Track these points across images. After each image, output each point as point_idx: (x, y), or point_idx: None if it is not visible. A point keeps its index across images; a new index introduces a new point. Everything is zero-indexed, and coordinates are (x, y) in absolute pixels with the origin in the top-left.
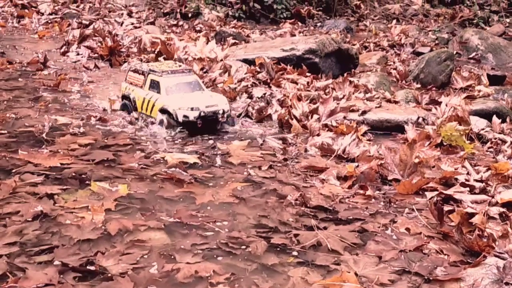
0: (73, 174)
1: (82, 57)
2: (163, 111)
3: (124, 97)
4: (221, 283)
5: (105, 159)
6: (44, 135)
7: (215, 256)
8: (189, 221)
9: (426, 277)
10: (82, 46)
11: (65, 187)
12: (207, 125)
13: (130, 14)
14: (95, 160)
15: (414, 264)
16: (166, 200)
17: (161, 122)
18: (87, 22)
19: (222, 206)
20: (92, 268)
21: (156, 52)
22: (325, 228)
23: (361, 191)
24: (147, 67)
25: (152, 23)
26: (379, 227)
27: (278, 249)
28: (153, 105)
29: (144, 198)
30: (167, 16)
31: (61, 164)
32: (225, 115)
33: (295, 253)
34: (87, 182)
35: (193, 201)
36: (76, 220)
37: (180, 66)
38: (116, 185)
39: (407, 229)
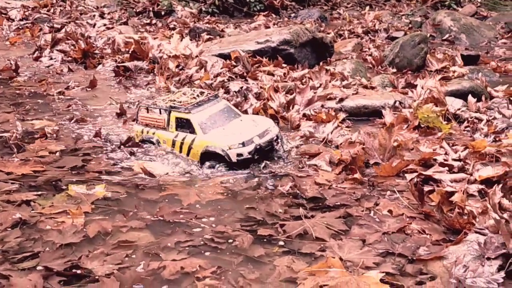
0: (47, 180)
1: (55, 61)
2: (208, 154)
3: (144, 142)
4: (208, 277)
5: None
6: (16, 141)
7: (201, 252)
8: (172, 218)
9: (409, 258)
10: (55, 50)
11: (40, 192)
12: (263, 156)
13: (102, 15)
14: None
15: (397, 246)
16: (147, 201)
17: (211, 167)
18: (59, 26)
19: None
20: (77, 271)
21: (130, 52)
22: (312, 216)
23: (350, 176)
24: (164, 103)
25: (125, 23)
26: (362, 211)
27: (265, 240)
28: (190, 148)
29: (122, 199)
30: (140, 15)
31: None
32: (279, 140)
33: (281, 243)
34: (62, 187)
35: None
36: (56, 225)
37: (202, 93)
38: (94, 187)
39: (390, 211)
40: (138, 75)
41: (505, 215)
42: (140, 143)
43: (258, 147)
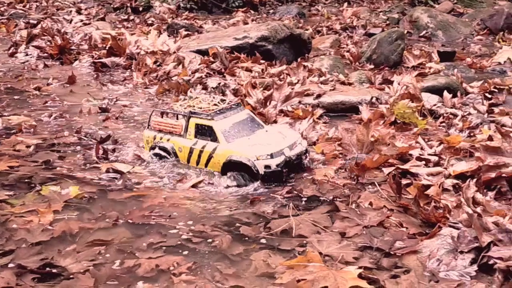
0: (20, 178)
1: (31, 57)
2: (231, 164)
3: (154, 149)
4: (183, 272)
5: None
6: None
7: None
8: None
9: (386, 252)
10: (31, 46)
11: (12, 192)
12: (290, 170)
13: (79, 11)
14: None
15: (376, 240)
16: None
17: (235, 181)
18: (35, 22)
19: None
20: (52, 269)
21: (107, 48)
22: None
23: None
24: (183, 108)
25: (102, 19)
26: (348, 205)
27: (245, 239)
28: (211, 157)
29: (95, 199)
30: (118, 11)
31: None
32: (307, 154)
33: (263, 240)
34: (35, 185)
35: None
36: (24, 224)
37: (223, 100)
38: (67, 187)
39: (370, 204)
40: (115, 71)
41: (478, 209)
42: (151, 150)
43: (287, 160)
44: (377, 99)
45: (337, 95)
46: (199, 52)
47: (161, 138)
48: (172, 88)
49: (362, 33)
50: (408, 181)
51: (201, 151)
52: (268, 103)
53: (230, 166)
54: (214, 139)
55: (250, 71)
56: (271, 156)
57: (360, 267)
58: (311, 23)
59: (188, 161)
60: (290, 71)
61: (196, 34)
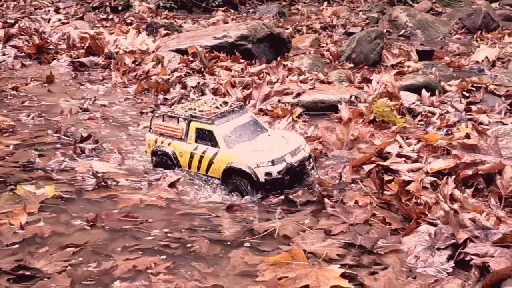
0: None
1: (8, 57)
2: (231, 171)
3: (156, 153)
4: (161, 272)
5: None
6: None
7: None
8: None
9: (368, 249)
10: (8, 45)
11: None
12: (293, 178)
13: (57, 11)
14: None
15: (360, 237)
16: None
17: (236, 189)
18: (13, 21)
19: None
20: (25, 272)
21: (85, 47)
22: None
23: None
24: (183, 111)
25: (81, 18)
26: (335, 202)
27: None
28: (211, 163)
29: (71, 199)
30: (97, 10)
31: None
32: (311, 160)
33: (246, 244)
34: (10, 184)
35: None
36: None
37: (225, 103)
38: (43, 187)
39: (356, 202)
40: (94, 70)
41: (456, 206)
42: (153, 154)
43: (289, 166)
44: (356, 97)
45: (316, 94)
46: (178, 51)
47: (162, 142)
48: (151, 87)
49: (342, 32)
50: (390, 177)
51: (201, 157)
52: (247, 102)
53: (230, 173)
54: (215, 144)
55: (230, 70)
56: (273, 162)
57: (342, 265)
58: (291, 22)
59: (189, 166)
60: (269, 70)
61: (175, 33)
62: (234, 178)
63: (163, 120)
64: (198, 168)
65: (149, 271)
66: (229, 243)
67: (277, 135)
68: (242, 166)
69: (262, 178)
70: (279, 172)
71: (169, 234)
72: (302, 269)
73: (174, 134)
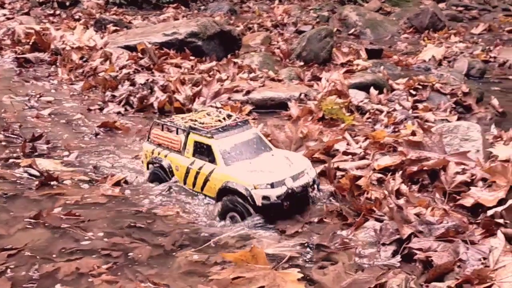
0: None
1: None
2: (226, 191)
3: (152, 164)
4: (103, 273)
5: None
6: None
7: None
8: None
9: (321, 246)
10: None
11: None
12: (294, 206)
13: (2, 5)
14: None
15: (314, 236)
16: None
17: (226, 215)
18: None
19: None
20: None
21: (31, 43)
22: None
23: None
24: (183, 121)
25: (27, 14)
26: None
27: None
28: (207, 180)
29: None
30: (43, 5)
31: None
32: (316, 185)
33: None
34: None
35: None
36: None
37: (229, 116)
38: None
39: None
40: (40, 67)
41: (402, 201)
42: (149, 166)
43: (289, 191)
44: (305, 95)
45: (266, 92)
46: (127, 48)
47: (159, 153)
48: (98, 84)
49: (293, 30)
50: (342, 173)
51: (197, 173)
52: (197, 99)
53: (226, 193)
54: (212, 160)
55: (180, 67)
56: (272, 185)
57: (295, 265)
58: (243, 20)
59: (185, 182)
60: (220, 67)
61: (124, 30)
62: (229, 197)
63: (162, 130)
64: (194, 184)
65: (92, 273)
66: (172, 244)
67: (281, 155)
68: (238, 187)
69: (259, 202)
70: (278, 197)
71: (110, 236)
72: (259, 270)
73: (172, 145)
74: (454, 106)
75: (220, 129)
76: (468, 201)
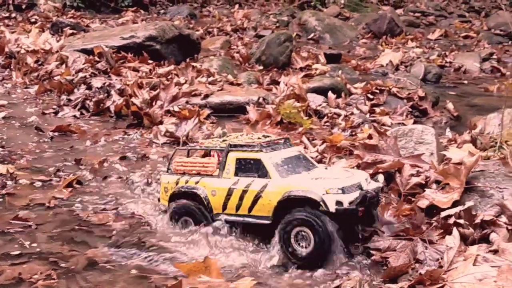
0: None
1: None
2: (288, 202)
3: (178, 196)
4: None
5: None
6: None
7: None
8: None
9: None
10: None
11: None
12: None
13: None
14: None
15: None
16: None
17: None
18: None
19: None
20: None
21: None
22: None
23: None
24: (219, 142)
25: None
26: None
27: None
28: (258, 197)
29: None
30: None
31: None
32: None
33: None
34: None
35: None
36: None
37: (265, 136)
38: None
39: None
40: None
41: None
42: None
43: (364, 194)
44: (264, 99)
45: (225, 96)
46: (84, 51)
47: (186, 182)
48: (54, 88)
49: (253, 35)
50: None
51: (244, 191)
52: (154, 103)
53: (286, 206)
54: (263, 174)
55: (137, 71)
56: (343, 191)
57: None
58: (202, 24)
59: (224, 207)
60: (178, 71)
61: (82, 33)
62: (289, 214)
63: (188, 156)
64: (238, 207)
65: (34, 278)
66: (122, 251)
67: (337, 168)
68: (308, 194)
69: (332, 208)
70: (351, 203)
71: (57, 240)
72: (212, 281)
73: (204, 170)
74: (410, 110)
75: (265, 144)
76: (423, 203)
